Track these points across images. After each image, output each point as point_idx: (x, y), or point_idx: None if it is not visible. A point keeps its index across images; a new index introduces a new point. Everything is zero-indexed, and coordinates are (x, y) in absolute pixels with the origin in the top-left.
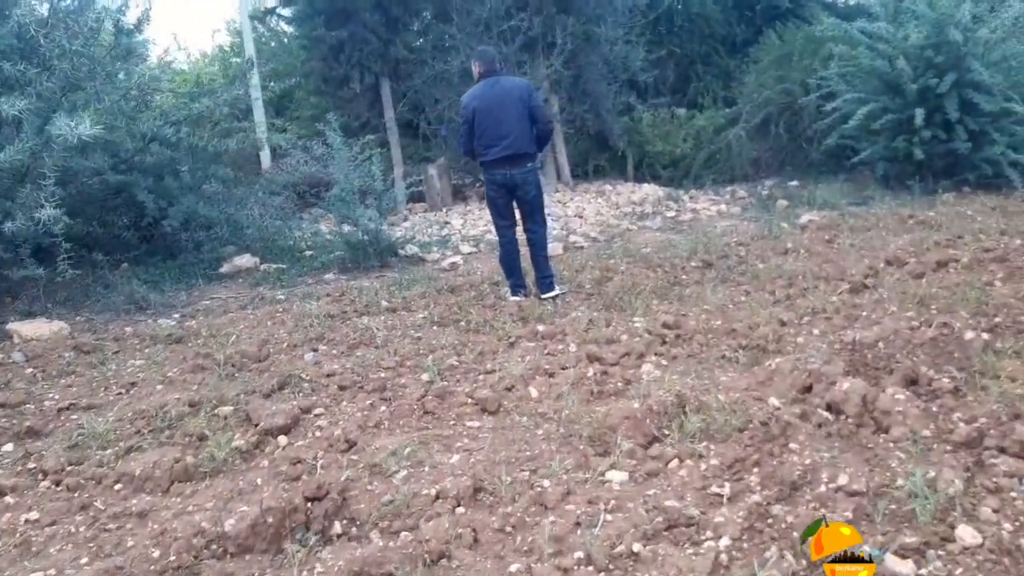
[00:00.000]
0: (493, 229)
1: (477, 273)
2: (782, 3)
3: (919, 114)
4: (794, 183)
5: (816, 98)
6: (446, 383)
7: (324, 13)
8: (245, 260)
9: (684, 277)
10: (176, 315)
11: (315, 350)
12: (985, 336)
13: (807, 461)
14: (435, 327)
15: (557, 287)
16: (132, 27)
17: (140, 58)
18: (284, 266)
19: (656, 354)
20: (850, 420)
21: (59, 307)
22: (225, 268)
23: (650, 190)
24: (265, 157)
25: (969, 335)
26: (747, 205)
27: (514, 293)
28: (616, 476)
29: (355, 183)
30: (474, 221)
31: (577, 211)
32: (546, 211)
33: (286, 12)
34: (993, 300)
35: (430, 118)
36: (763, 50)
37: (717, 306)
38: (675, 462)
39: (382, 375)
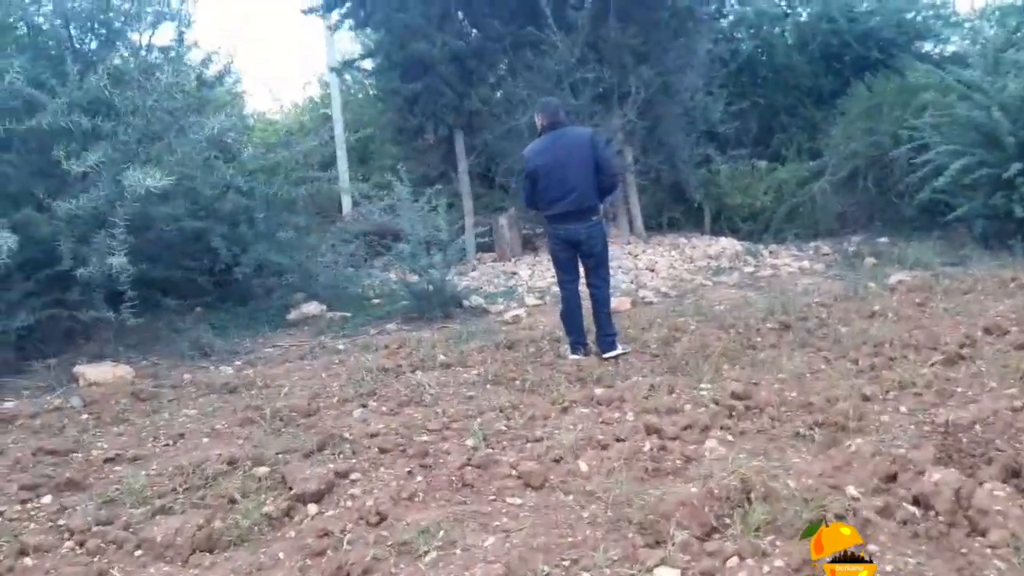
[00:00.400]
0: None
1: (539, 327)
2: (872, 54)
3: (1014, 168)
4: (883, 239)
5: (907, 150)
6: (491, 450)
7: (401, 66)
8: (312, 307)
9: (759, 340)
10: (237, 362)
11: (364, 406)
12: None
13: (888, 567)
14: (488, 385)
15: (620, 346)
16: (214, 80)
17: (223, 109)
18: (349, 314)
19: (722, 428)
20: (941, 518)
21: (129, 350)
22: (292, 315)
23: (727, 244)
24: (347, 204)
25: None
26: (831, 262)
27: (574, 351)
28: (666, 574)
29: (421, 234)
30: (542, 272)
31: (649, 264)
32: (615, 263)
33: (366, 65)
34: None
35: (502, 170)
36: (851, 101)
37: (793, 374)
38: (735, 560)
39: (425, 439)
